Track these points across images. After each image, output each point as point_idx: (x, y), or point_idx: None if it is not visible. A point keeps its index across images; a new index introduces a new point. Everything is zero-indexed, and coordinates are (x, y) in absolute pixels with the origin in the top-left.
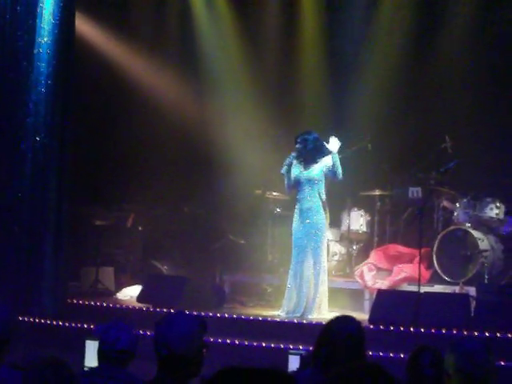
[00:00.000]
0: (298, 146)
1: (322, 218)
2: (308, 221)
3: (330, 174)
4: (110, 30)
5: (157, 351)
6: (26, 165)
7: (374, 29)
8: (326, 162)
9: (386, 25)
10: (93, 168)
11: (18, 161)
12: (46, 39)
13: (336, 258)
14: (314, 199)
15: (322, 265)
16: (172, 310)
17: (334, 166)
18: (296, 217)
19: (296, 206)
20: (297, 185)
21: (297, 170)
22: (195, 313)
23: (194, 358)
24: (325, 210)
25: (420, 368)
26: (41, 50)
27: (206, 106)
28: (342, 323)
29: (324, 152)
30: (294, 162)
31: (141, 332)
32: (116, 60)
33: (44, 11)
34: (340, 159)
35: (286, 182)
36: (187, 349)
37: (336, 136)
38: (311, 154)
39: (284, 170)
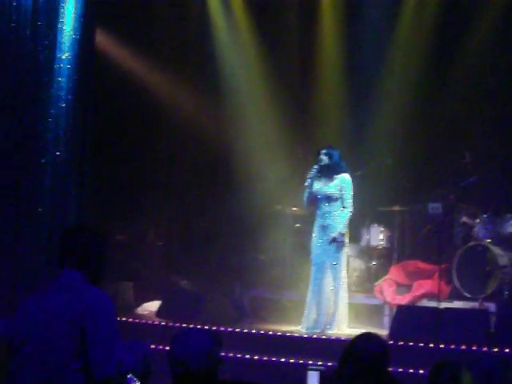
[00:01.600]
0: (321, 157)
1: (343, 232)
2: (326, 237)
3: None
4: (130, 45)
5: (172, 368)
6: (46, 179)
7: (394, 44)
8: (341, 181)
9: (406, 40)
10: (112, 183)
11: (39, 175)
12: (66, 54)
13: (356, 273)
14: (332, 216)
15: (341, 281)
16: (187, 326)
17: (345, 195)
18: (315, 233)
19: (315, 223)
20: (315, 200)
21: (316, 185)
22: (211, 327)
23: (209, 373)
24: (345, 226)
25: (439, 383)
26: (61, 65)
27: (223, 120)
28: (367, 341)
29: (342, 169)
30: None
31: (160, 347)
32: (136, 75)
33: (65, 26)
34: (360, 175)
35: (305, 196)
36: (202, 365)
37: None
38: (332, 169)
39: (308, 183)
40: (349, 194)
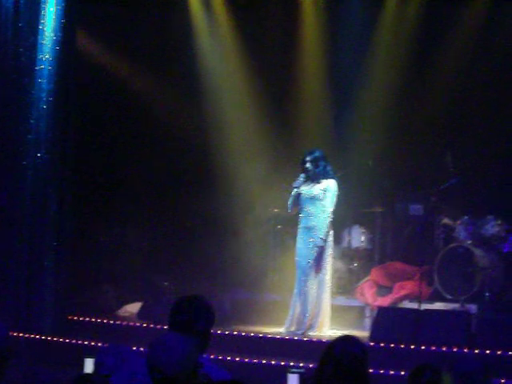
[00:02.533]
0: (307, 165)
1: (326, 236)
2: (311, 239)
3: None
4: (111, 46)
5: (150, 375)
6: (27, 181)
7: (375, 44)
8: (326, 186)
9: (387, 40)
10: (93, 184)
11: (20, 177)
12: (47, 56)
13: (337, 275)
14: (317, 218)
15: (325, 283)
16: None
17: (327, 199)
18: (299, 235)
19: (299, 225)
20: (299, 202)
21: (301, 188)
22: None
23: (189, 378)
24: (329, 227)
25: None
26: (42, 67)
27: (204, 119)
28: (346, 344)
29: (329, 174)
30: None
31: (141, 349)
32: (117, 76)
33: (45, 28)
34: (341, 176)
35: (290, 200)
36: (181, 371)
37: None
38: (318, 174)
39: (295, 192)
40: (332, 199)
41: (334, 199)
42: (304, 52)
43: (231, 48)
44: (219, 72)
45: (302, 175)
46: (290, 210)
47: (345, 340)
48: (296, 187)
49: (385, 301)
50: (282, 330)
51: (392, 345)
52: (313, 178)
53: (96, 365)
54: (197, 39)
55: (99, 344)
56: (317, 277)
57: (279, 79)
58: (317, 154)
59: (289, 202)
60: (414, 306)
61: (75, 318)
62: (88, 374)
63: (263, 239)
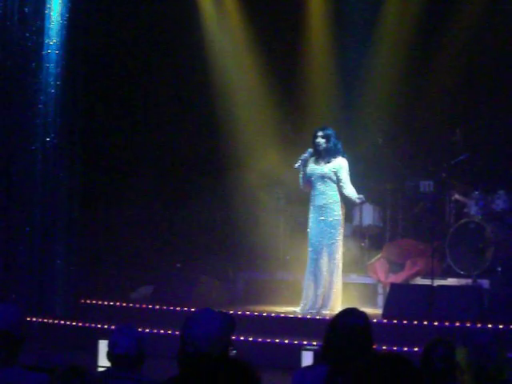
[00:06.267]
0: (318, 140)
1: (337, 214)
2: (322, 218)
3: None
4: (118, 30)
5: (182, 348)
6: (36, 165)
7: (381, 26)
8: (338, 165)
9: (393, 21)
10: (103, 167)
11: (29, 162)
12: (54, 40)
13: (348, 253)
14: (328, 196)
15: (336, 261)
16: (189, 309)
17: (342, 178)
18: (311, 214)
19: (310, 203)
20: (310, 181)
21: (311, 167)
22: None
23: (220, 356)
24: (340, 206)
25: (432, 361)
26: (49, 51)
27: (211, 103)
28: (348, 316)
29: (339, 152)
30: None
31: (154, 331)
32: (124, 59)
33: (52, 12)
34: (350, 155)
35: (300, 178)
36: (214, 347)
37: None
38: (329, 151)
39: (298, 164)
40: (346, 176)
41: (348, 174)
42: (312, 38)
43: (240, 37)
44: (228, 61)
45: (309, 150)
46: (301, 187)
47: (346, 313)
48: (302, 160)
49: (397, 278)
50: (297, 309)
51: (405, 321)
52: (323, 155)
53: (110, 345)
54: (205, 28)
55: (112, 327)
56: (328, 255)
57: (287, 59)
58: (329, 131)
59: (300, 178)
60: (426, 282)
61: (88, 301)
62: (78, 366)
63: (275, 218)
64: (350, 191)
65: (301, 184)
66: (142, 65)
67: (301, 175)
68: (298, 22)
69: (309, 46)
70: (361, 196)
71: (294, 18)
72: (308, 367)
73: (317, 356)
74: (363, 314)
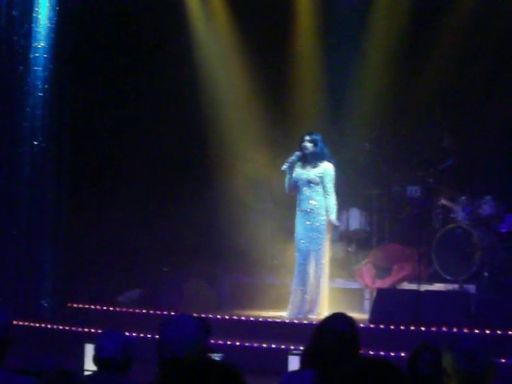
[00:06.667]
0: (306, 144)
1: (323, 219)
2: (309, 222)
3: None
4: (106, 33)
5: (159, 354)
6: (23, 169)
7: (371, 26)
8: (324, 171)
9: (382, 22)
10: (91, 171)
11: (16, 165)
12: (42, 43)
13: (335, 257)
14: (314, 201)
15: (323, 266)
16: (173, 313)
17: (327, 185)
18: (297, 218)
19: (297, 208)
20: (296, 186)
21: (298, 171)
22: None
23: (198, 360)
24: (327, 211)
25: (417, 367)
26: (37, 55)
27: (200, 106)
28: (334, 321)
29: (325, 157)
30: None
31: (141, 335)
32: (112, 64)
33: (40, 15)
34: (338, 159)
35: (286, 181)
36: (191, 352)
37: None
38: (316, 155)
39: (285, 167)
40: (330, 185)
41: (333, 184)
42: (300, 41)
43: (228, 41)
44: (216, 63)
45: (296, 153)
46: (287, 191)
47: (333, 318)
48: (289, 162)
49: (384, 283)
50: (284, 314)
51: (392, 326)
52: (310, 160)
53: (97, 349)
54: (192, 26)
55: (99, 331)
56: (315, 260)
57: (276, 68)
58: (316, 136)
59: (286, 182)
60: (413, 287)
61: (75, 305)
62: (66, 370)
63: (262, 223)
64: (331, 204)
65: (286, 187)
66: (131, 68)
67: (287, 178)
68: (286, 25)
69: (297, 49)
70: (338, 223)
71: (282, 20)
72: (295, 372)
73: (302, 360)
74: (350, 319)
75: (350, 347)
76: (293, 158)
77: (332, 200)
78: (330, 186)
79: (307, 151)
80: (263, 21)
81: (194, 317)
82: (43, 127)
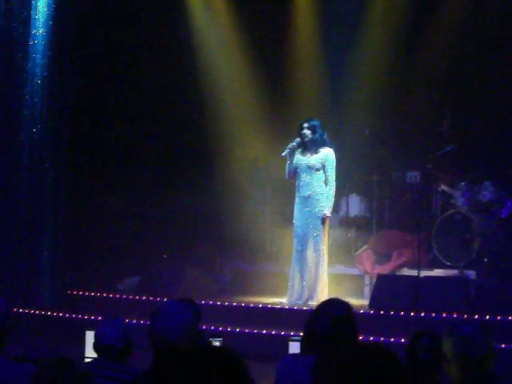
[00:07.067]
0: (304, 131)
1: (322, 205)
2: (308, 208)
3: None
4: (105, 21)
5: (152, 344)
6: (23, 156)
7: (369, 13)
8: (324, 156)
9: (380, 8)
10: (89, 158)
11: (15, 153)
12: (40, 30)
13: (335, 244)
14: (313, 187)
15: (321, 252)
16: (164, 300)
17: (328, 172)
18: (296, 204)
19: (296, 194)
20: (295, 172)
21: (297, 157)
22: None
23: (191, 347)
24: (327, 198)
25: (416, 353)
26: (36, 42)
27: (200, 95)
28: (330, 307)
29: (325, 143)
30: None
31: (141, 322)
32: (112, 49)
33: (38, 2)
34: (337, 145)
35: (287, 167)
36: (184, 339)
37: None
38: (315, 142)
39: (286, 153)
40: (331, 172)
41: (333, 174)
42: (299, 30)
43: (228, 29)
44: (216, 52)
45: (297, 139)
46: (287, 178)
47: (328, 303)
48: (289, 148)
49: (384, 269)
50: (284, 300)
51: (392, 312)
52: (309, 146)
53: (97, 336)
54: (191, 12)
55: (99, 318)
56: (313, 246)
57: (275, 55)
58: (314, 122)
59: (286, 168)
60: (413, 273)
61: (74, 292)
62: (66, 358)
63: (262, 209)
64: (329, 193)
65: (286, 174)
66: (130, 55)
67: (288, 164)
68: (285, 15)
69: (296, 37)
70: (328, 214)
71: (281, 8)
72: (296, 355)
73: (302, 346)
74: (346, 304)
75: (347, 332)
76: (293, 143)
77: (331, 189)
78: (332, 173)
79: (306, 139)
80: (262, 8)
81: (184, 302)
82: (42, 115)
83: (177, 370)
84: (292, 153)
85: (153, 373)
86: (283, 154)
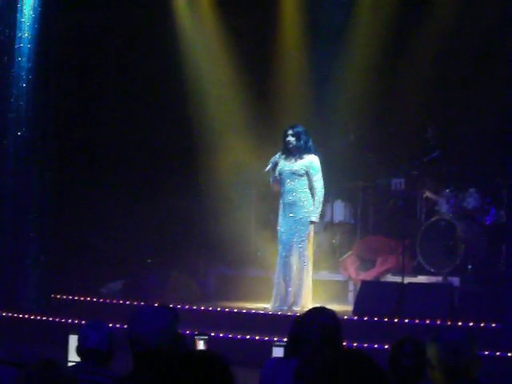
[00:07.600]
0: (289, 138)
1: (306, 211)
2: (292, 214)
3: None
4: (91, 24)
5: (132, 349)
6: (7, 160)
7: (355, 21)
8: (308, 163)
9: (366, 17)
10: (75, 161)
11: (0, 156)
12: (26, 34)
13: (319, 249)
14: (297, 193)
15: (306, 258)
16: (143, 304)
17: (313, 179)
18: (280, 211)
19: (280, 200)
20: (280, 178)
21: (281, 163)
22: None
23: (170, 350)
24: (313, 204)
25: (399, 359)
26: (21, 45)
27: (185, 99)
28: (315, 314)
29: (310, 150)
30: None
31: (125, 326)
32: (97, 54)
33: (24, 6)
34: (322, 151)
35: (271, 179)
36: (162, 342)
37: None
38: (300, 148)
39: (268, 168)
40: (318, 178)
41: (321, 176)
42: (285, 36)
43: (214, 35)
44: (202, 58)
45: (279, 153)
46: (273, 186)
47: (313, 311)
48: (272, 162)
49: (368, 275)
50: (268, 306)
51: (375, 318)
52: (294, 153)
53: (80, 340)
54: (177, 16)
55: (83, 322)
56: (298, 253)
57: (260, 62)
58: (299, 128)
59: (270, 179)
60: (397, 279)
61: (58, 296)
62: (52, 361)
63: (246, 215)
64: (317, 201)
65: (271, 183)
66: (116, 58)
67: (271, 177)
68: (271, 22)
69: (281, 44)
70: (316, 221)
71: (268, 13)
72: (280, 359)
73: (286, 350)
74: (332, 312)
75: (333, 340)
76: (275, 158)
77: (319, 196)
78: (319, 180)
79: (291, 145)
80: (248, 14)
81: (161, 306)
82: (27, 118)
83: (158, 373)
84: (274, 167)
85: (134, 377)
86: (266, 169)
